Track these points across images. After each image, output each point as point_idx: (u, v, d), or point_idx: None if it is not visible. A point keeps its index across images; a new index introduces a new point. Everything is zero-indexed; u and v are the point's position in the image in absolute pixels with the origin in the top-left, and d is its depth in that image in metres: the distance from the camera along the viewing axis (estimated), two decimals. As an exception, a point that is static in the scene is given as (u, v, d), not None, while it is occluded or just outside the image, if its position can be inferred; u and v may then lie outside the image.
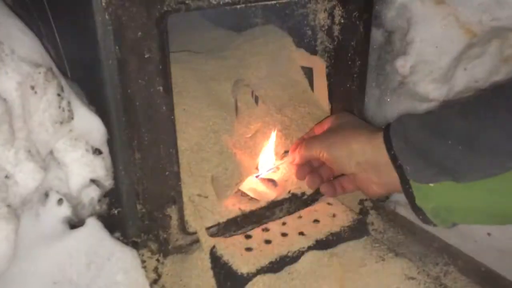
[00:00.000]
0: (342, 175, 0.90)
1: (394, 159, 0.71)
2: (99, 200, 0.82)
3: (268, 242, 0.93)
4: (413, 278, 0.91)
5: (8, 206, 0.66)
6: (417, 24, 1.11)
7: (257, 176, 1.04)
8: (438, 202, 0.68)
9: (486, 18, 1.07)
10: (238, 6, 0.85)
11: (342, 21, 1.01)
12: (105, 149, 0.81)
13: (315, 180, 0.89)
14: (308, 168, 0.90)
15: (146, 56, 0.75)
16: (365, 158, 0.76)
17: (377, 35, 1.21)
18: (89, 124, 0.79)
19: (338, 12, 1.01)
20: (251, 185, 1.05)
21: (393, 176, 0.72)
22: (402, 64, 1.13)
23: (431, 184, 0.67)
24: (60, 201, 0.76)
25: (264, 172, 1.04)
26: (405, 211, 1.18)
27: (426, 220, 0.73)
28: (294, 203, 1.05)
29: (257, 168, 1.03)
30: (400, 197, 1.21)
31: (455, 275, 0.94)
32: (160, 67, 0.77)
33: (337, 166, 0.82)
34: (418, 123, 0.69)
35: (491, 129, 0.60)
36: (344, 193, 0.91)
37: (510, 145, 0.59)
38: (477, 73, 1.16)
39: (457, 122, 0.64)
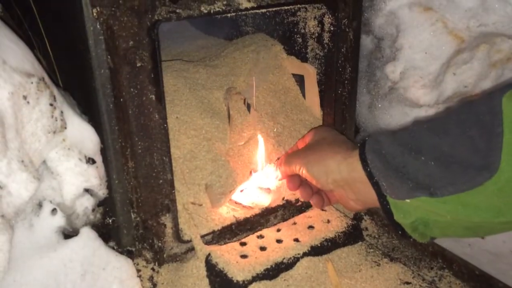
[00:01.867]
0: None
1: (370, 176, 0.71)
2: (93, 210, 0.82)
3: (263, 249, 0.93)
4: (408, 283, 0.91)
5: (2, 216, 0.66)
6: (406, 30, 1.13)
7: (241, 190, 1.05)
8: (416, 217, 0.69)
9: (474, 24, 1.08)
10: (229, 15, 0.86)
11: (332, 28, 1.02)
12: (98, 158, 0.81)
13: (307, 192, 0.89)
14: (298, 179, 0.90)
15: (138, 65, 0.75)
16: (341, 176, 0.77)
17: (366, 42, 1.22)
18: (82, 133, 0.79)
19: (327, 19, 1.02)
20: (245, 193, 1.05)
21: (370, 192, 0.72)
22: (392, 70, 1.14)
23: (408, 200, 0.67)
24: (54, 211, 0.76)
25: (249, 186, 1.05)
26: (398, 216, 1.19)
27: (405, 235, 0.73)
28: (288, 209, 1.05)
29: (250, 174, 1.03)
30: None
31: (450, 279, 0.95)
32: (152, 75, 0.77)
33: (315, 182, 0.82)
34: (392, 140, 0.70)
35: (461, 145, 0.62)
36: (330, 204, 0.92)
37: (479, 160, 0.60)
38: (466, 78, 1.18)
39: (429, 138, 0.65)
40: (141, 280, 0.86)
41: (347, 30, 1.02)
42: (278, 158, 0.96)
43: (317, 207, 0.91)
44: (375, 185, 0.71)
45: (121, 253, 0.85)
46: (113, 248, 0.85)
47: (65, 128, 0.76)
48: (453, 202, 0.63)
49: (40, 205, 0.75)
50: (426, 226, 0.69)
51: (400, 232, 0.73)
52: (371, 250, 0.99)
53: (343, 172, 0.76)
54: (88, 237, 0.78)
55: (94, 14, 0.71)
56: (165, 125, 0.82)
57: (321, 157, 0.81)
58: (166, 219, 0.87)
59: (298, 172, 0.86)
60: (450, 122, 0.65)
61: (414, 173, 0.66)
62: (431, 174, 0.64)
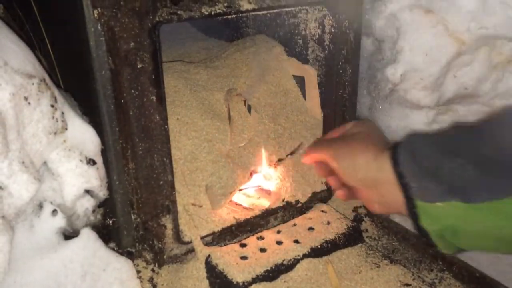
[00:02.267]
0: None
1: (400, 176, 0.68)
2: (94, 211, 0.82)
3: (263, 250, 0.93)
4: (408, 285, 0.91)
5: (3, 217, 0.66)
6: (406, 33, 1.13)
7: (240, 190, 1.05)
8: (444, 223, 0.65)
9: (474, 27, 1.08)
10: (230, 17, 0.86)
11: (333, 30, 1.02)
12: (99, 160, 0.81)
13: (336, 181, 0.83)
14: (327, 167, 0.85)
15: (139, 66, 0.75)
16: (369, 174, 0.73)
17: (367, 43, 1.22)
18: (82, 134, 0.79)
19: (328, 21, 1.02)
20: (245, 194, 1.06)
21: (397, 195, 0.69)
22: (393, 72, 1.15)
23: (439, 204, 0.64)
24: (54, 212, 0.76)
25: (248, 187, 1.05)
26: (399, 218, 1.19)
27: (430, 243, 0.69)
28: (288, 211, 1.05)
29: (251, 175, 1.04)
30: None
31: (450, 281, 0.95)
32: (153, 77, 0.77)
33: (342, 175, 0.79)
34: (427, 141, 0.67)
35: (505, 149, 0.58)
36: (355, 199, 0.86)
37: None
38: (466, 80, 1.18)
39: (469, 140, 0.62)
40: (141, 281, 0.87)
41: (348, 32, 1.02)
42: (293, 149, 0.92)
43: (341, 199, 0.86)
44: (404, 187, 0.68)
45: (121, 254, 0.85)
46: (113, 249, 0.85)
47: (66, 129, 0.76)
48: (488, 209, 0.60)
49: (40, 206, 0.75)
50: (454, 235, 0.65)
51: (424, 239, 0.69)
52: (371, 251, 0.99)
53: (371, 170, 0.73)
54: (88, 238, 0.79)
55: (95, 15, 0.71)
56: (166, 126, 0.82)
57: (351, 151, 0.77)
58: (167, 220, 0.87)
59: (325, 159, 0.82)
60: (494, 126, 0.63)
61: (449, 175, 0.63)
62: (467, 177, 0.61)
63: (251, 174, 1.03)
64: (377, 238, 1.08)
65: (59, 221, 0.76)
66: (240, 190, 1.07)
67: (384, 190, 0.72)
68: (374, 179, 0.73)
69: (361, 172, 0.75)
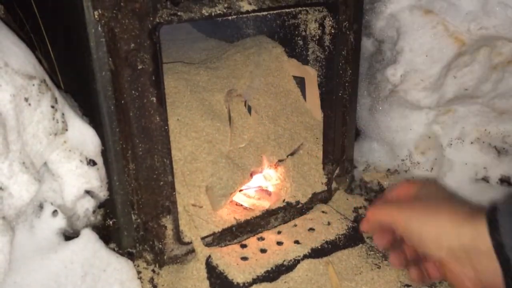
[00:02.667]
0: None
1: (499, 246, 0.55)
2: (94, 211, 0.82)
3: (263, 251, 0.93)
4: (408, 285, 0.91)
5: (3, 218, 0.66)
6: (406, 33, 1.13)
7: (241, 190, 1.05)
8: None
9: (474, 27, 1.08)
10: (230, 17, 0.86)
11: (333, 31, 1.02)
12: (99, 160, 0.81)
13: (399, 257, 0.69)
14: (390, 236, 0.71)
15: (139, 67, 0.75)
16: (460, 242, 0.59)
17: (367, 44, 1.23)
18: (83, 135, 0.79)
19: (328, 22, 1.02)
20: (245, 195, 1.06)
21: (494, 268, 0.56)
22: (393, 73, 1.15)
23: None
24: (54, 213, 0.76)
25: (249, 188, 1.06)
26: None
27: None
28: (289, 211, 1.05)
29: (251, 176, 1.04)
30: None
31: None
32: (153, 78, 0.77)
33: (419, 246, 0.64)
34: None
35: None
36: (432, 280, 0.70)
37: None
38: (466, 81, 1.18)
39: None
40: (142, 282, 0.87)
41: (348, 32, 1.02)
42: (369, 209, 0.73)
43: (414, 281, 0.69)
44: (504, 261, 0.55)
45: (122, 254, 0.85)
46: (113, 250, 0.85)
47: (66, 130, 0.77)
48: None
49: (41, 206, 0.75)
50: None
51: None
52: (372, 252, 0.99)
53: (463, 237, 0.59)
54: (88, 239, 0.79)
55: (96, 16, 0.72)
56: (166, 127, 0.82)
57: (434, 214, 0.63)
58: (167, 221, 0.87)
59: (393, 225, 0.67)
60: None
61: None
62: None
63: (251, 175, 1.03)
64: (377, 238, 1.08)
65: (60, 222, 0.76)
66: (241, 190, 1.07)
67: (480, 263, 0.58)
68: (467, 248, 0.59)
69: (448, 240, 0.60)
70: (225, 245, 0.95)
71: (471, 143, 1.23)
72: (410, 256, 0.69)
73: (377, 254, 0.99)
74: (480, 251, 0.57)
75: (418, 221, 0.63)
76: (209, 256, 0.90)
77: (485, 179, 1.23)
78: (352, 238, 1.00)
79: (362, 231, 0.76)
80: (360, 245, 1.01)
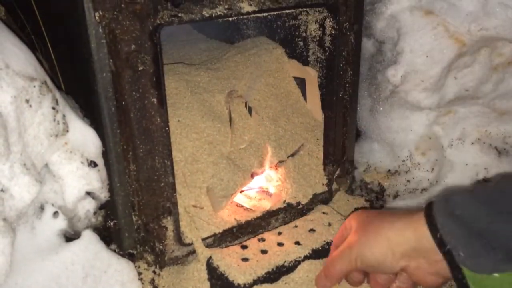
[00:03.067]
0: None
1: (441, 243, 0.58)
2: (95, 213, 0.82)
3: (264, 252, 0.93)
4: (409, 286, 0.91)
5: (4, 219, 0.66)
6: (407, 34, 1.13)
7: (241, 191, 1.05)
8: None
9: (475, 28, 1.09)
10: (231, 19, 0.86)
11: (333, 32, 1.02)
12: (100, 162, 0.81)
13: (382, 284, 0.70)
14: (360, 274, 0.72)
15: (140, 69, 0.75)
16: (409, 245, 0.62)
17: (368, 45, 1.23)
18: (84, 136, 0.79)
19: (329, 23, 1.02)
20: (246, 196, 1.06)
21: (444, 262, 0.59)
22: (393, 74, 1.15)
23: (495, 275, 0.53)
24: (55, 214, 0.76)
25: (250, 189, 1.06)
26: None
27: None
28: (289, 212, 1.05)
29: (252, 177, 1.04)
30: (395, 205, 1.22)
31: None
32: (154, 79, 0.77)
33: (381, 267, 0.65)
34: (470, 199, 0.57)
35: None
36: None
37: None
38: (467, 82, 1.18)
39: None
40: (143, 283, 0.87)
41: (348, 33, 1.02)
42: None
43: None
44: (448, 255, 0.57)
45: (123, 256, 0.85)
46: (114, 251, 0.85)
47: (67, 131, 0.77)
48: None
49: (42, 208, 0.76)
50: None
51: None
52: (372, 253, 0.99)
53: (410, 240, 0.61)
54: (89, 240, 0.79)
55: (96, 17, 0.72)
56: (167, 128, 0.82)
57: (377, 232, 0.64)
58: (168, 222, 0.87)
59: (354, 266, 0.68)
60: None
61: (505, 240, 0.53)
62: None
63: (252, 176, 1.03)
64: (378, 239, 1.08)
65: (60, 223, 0.76)
66: (242, 191, 1.07)
67: (430, 258, 0.61)
68: (416, 248, 0.61)
69: (399, 247, 0.62)
70: (225, 246, 0.95)
71: (472, 144, 1.24)
72: (382, 282, 0.70)
73: (378, 255, 0.99)
74: (427, 248, 0.60)
75: (368, 247, 0.65)
76: (210, 257, 0.90)
77: (486, 180, 1.23)
78: (353, 239, 1.00)
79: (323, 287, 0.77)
80: (361, 246, 1.01)
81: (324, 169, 1.13)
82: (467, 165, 1.23)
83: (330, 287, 0.74)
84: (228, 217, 0.98)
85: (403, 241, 0.62)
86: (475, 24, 1.08)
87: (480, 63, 1.16)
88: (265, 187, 1.10)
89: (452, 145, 1.23)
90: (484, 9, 1.07)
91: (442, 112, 1.21)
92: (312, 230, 1.00)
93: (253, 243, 0.96)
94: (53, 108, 0.74)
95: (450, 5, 1.09)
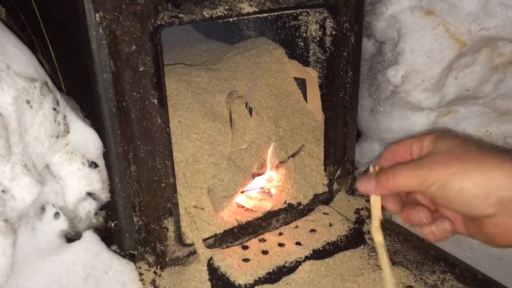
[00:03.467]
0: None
1: None
2: (96, 213, 0.82)
3: (265, 252, 0.93)
4: (410, 287, 0.91)
5: (5, 220, 0.66)
6: (407, 34, 1.13)
7: (242, 192, 1.05)
8: None
9: (475, 28, 1.08)
10: (231, 19, 0.86)
11: (334, 32, 1.02)
12: (101, 162, 0.81)
13: (423, 214, 0.60)
14: (400, 198, 0.63)
15: (140, 69, 0.75)
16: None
17: (368, 45, 1.23)
18: (84, 137, 0.79)
19: (329, 24, 1.02)
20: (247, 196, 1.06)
21: None
22: (394, 74, 1.15)
23: None
24: (56, 215, 0.76)
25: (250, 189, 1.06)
26: (400, 219, 1.19)
27: None
28: (290, 213, 1.05)
29: (253, 177, 1.04)
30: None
31: (453, 283, 0.95)
32: (155, 80, 0.77)
33: (458, 205, 0.55)
34: None
35: None
36: (458, 233, 0.61)
37: None
38: (467, 82, 1.18)
39: None
40: (144, 284, 0.87)
41: (349, 34, 1.02)
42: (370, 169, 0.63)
43: (432, 238, 0.61)
44: None
45: (124, 256, 0.86)
46: (115, 252, 0.85)
47: (68, 132, 0.77)
48: None
49: (43, 209, 0.76)
50: None
51: None
52: (374, 253, 0.99)
53: None
54: (90, 241, 0.79)
55: (97, 18, 0.72)
56: (168, 129, 0.82)
57: (475, 167, 0.54)
58: (168, 223, 0.87)
59: (424, 189, 0.56)
60: None
61: None
62: None
63: (252, 176, 1.03)
64: (379, 240, 1.07)
65: (61, 224, 0.76)
66: (242, 192, 1.07)
67: None
68: None
69: (499, 192, 0.52)
70: (226, 247, 0.95)
71: (473, 144, 1.23)
72: (436, 213, 0.60)
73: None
74: None
75: (459, 177, 0.54)
76: (211, 258, 0.90)
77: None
78: (354, 239, 1.00)
79: (371, 192, 0.61)
80: (362, 246, 1.01)
81: (325, 170, 1.13)
82: (468, 165, 1.23)
83: (374, 193, 0.61)
84: (229, 218, 0.98)
85: (507, 186, 0.52)
86: (475, 24, 1.08)
87: (480, 63, 1.16)
88: (265, 187, 1.10)
89: (452, 145, 1.23)
90: (485, 9, 1.07)
91: (442, 112, 1.21)
92: (313, 230, 1.00)
93: (254, 244, 0.96)
94: (54, 109, 0.74)
95: (451, 5, 1.09)
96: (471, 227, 0.57)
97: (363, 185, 0.61)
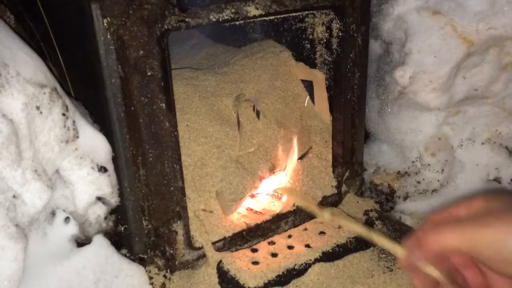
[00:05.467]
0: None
1: None
2: (106, 218, 0.83)
3: (274, 255, 0.93)
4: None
5: (16, 225, 0.67)
6: (415, 35, 1.12)
7: (252, 196, 1.05)
8: None
9: (483, 27, 1.08)
10: (237, 23, 0.86)
11: (340, 34, 1.02)
12: (110, 167, 0.82)
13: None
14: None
15: (148, 74, 0.76)
16: None
17: (375, 46, 1.22)
18: (94, 142, 0.80)
19: (336, 25, 1.02)
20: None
21: None
22: (401, 75, 1.14)
23: None
24: (67, 220, 0.77)
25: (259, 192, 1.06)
26: (410, 221, 1.18)
27: None
28: (299, 215, 1.05)
29: (261, 181, 1.04)
30: (405, 207, 1.21)
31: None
32: (162, 84, 0.78)
33: (489, 258, 0.51)
34: None
35: None
36: None
37: None
38: (476, 81, 1.17)
39: None
40: (154, 287, 0.87)
41: (355, 35, 1.02)
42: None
43: None
44: None
45: (133, 260, 0.86)
46: (125, 256, 0.85)
47: (77, 137, 0.77)
48: None
49: (53, 213, 0.76)
50: None
51: None
52: (383, 255, 0.98)
53: None
54: (100, 245, 0.79)
55: (105, 24, 0.72)
56: (176, 133, 0.82)
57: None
58: (178, 226, 0.88)
59: (460, 244, 0.52)
60: None
61: None
62: None
63: (260, 180, 1.03)
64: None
65: (72, 229, 0.77)
66: (253, 196, 1.07)
67: None
68: None
69: None
70: (236, 250, 0.95)
71: (482, 143, 1.23)
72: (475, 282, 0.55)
73: (389, 257, 0.98)
74: None
75: (490, 231, 0.50)
76: (220, 261, 0.90)
77: (497, 180, 1.22)
78: (363, 241, 0.99)
79: (407, 260, 0.55)
80: (372, 248, 1.00)
81: (333, 171, 1.12)
82: (477, 165, 1.22)
83: (418, 260, 0.55)
84: (237, 221, 0.98)
85: None
86: (483, 23, 1.08)
87: (489, 62, 1.15)
88: (274, 190, 1.10)
89: (462, 145, 1.22)
90: (492, 8, 1.06)
91: (451, 112, 1.20)
92: (322, 232, 1.00)
93: (263, 247, 0.96)
94: (63, 115, 0.74)
95: (458, 4, 1.09)
96: None
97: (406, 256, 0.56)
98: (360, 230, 0.64)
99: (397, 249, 0.57)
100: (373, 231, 0.60)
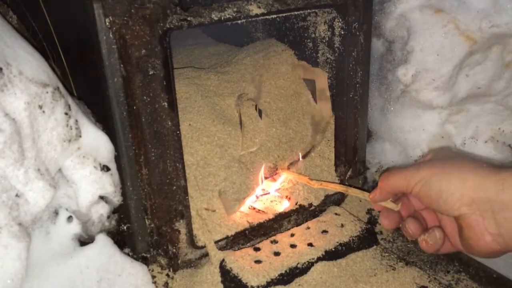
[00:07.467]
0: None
1: None
2: (108, 217, 0.83)
3: (277, 254, 0.93)
4: (424, 287, 0.90)
5: (19, 224, 0.67)
6: (417, 33, 1.12)
7: (257, 196, 1.05)
8: None
9: (486, 25, 1.08)
10: (239, 21, 0.86)
11: (342, 32, 1.02)
12: (112, 166, 0.82)
13: (417, 226, 0.66)
14: (396, 212, 0.69)
15: (150, 73, 0.76)
16: (485, 194, 0.56)
17: (377, 45, 1.22)
18: (96, 141, 0.80)
19: (338, 24, 1.02)
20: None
21: None
22: (404, 73, 1.14)
23: None
24: (69, 219, 0.77)
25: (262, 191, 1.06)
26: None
27: None
28: (301, 214, 1.05)
29: (261, 181, 1.04)
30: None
31: (467, 283, 0.94)
32: (165, 83, 0.78)
33: (437, 203, 0.60)
34: None
35: None
36: (451, 249, 0.66)
37: None
38: (479, 80, 1.17)
39: None
40: (156, 286, 0.87)
41: (358, 33, 1.02)
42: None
43: (428, 249, 0.65)
44: None
45: (136, 259, 0.86)
46: (128, 255, 0.85)
47: (80, 136, 0.77)
48: None
49: (56, 212, 0.76)
50: None
51: None
52: (386, 254, 0.98)
53: (489, 190, 0.56)
54: (103, 244, 0.79)
55: (107, 23, 0.72)
56: (178, 132, 0.82)
57: (456, 169, 0.59)
58: (180, 225, 0.88)
59: (411, 187, 0.63)
60: None
61: None
62: None
63: (261, 180, 1.03)
64: (391, 240, 1.07)
65: (75, 228, 0.77)
66: (257, 197, 1.07)
67: (503, 217, 0.55)
68: (491, 200, 0.56)
69: (472, 193, 0.57)
70: (238, 249, 0.95)
71: (485, 142, 1.22)
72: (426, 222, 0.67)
73: (392, 256, 0.98)
74: (506, 204, 0.55)
75: (438, 177, 0.60)
76: (223, 260, 0.90)
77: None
78: (366, 239, 0.99)
79: (372, 200, 0.71)
80: (374, 246, 1.00)
81: (336, 170, 1.12)
82: (480, 163, 1.22)
83: (380, 201, 0.69)
84: (240, 220, 0.98)
85: (479, 187, 0.57)
86: (486, 21, 1.07)
87: (492, 60, 1.15)
88: (277, 189, 1.10)
89: (465, 144, 1.22)
90: (495, 5, 1.06)
91: (454, 111, 1.20)
92: (324, 231, 1.00)
93: (265, 245, 0.96)
94: (66, 114, 0.74)
95: (460, 2, 1.08)
96: (457, 236, 0.62)
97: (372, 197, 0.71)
98: (339, 188, 0.88)
99: (365, 195, 0.75)
100: (349, 188, 0.84)
